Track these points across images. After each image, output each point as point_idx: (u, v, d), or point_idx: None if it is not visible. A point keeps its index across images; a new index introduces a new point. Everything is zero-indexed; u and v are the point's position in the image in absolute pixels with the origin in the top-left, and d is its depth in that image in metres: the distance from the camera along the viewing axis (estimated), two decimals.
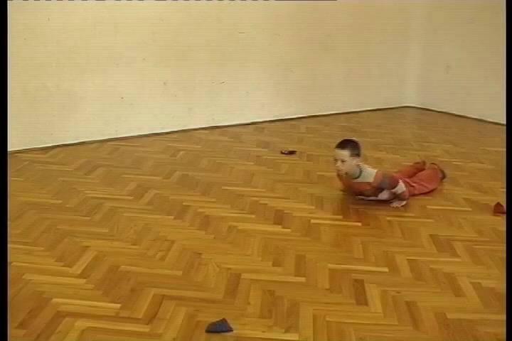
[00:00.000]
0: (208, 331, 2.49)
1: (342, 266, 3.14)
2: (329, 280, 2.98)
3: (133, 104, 5.77)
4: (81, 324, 2.52)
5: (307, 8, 6.50)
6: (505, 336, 2.32)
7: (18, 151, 5.11)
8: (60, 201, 4.02)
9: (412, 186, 4.18)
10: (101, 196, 4.12)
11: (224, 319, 2.54)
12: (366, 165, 4.02)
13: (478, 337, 2.52)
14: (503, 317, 2.48)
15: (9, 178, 4.27)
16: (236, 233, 3.54)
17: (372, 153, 5.43)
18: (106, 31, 5.42)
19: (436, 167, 4.61)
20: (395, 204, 4.04)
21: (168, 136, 5.89)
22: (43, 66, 5.19)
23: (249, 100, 6.48)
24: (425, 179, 4.35)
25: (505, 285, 2.80)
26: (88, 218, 3.73)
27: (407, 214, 3.92)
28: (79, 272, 2.99)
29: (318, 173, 4.77)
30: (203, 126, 6.22)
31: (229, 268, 3.07)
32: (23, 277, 2.92)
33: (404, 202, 4.04)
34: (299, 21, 6.54)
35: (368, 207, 4.01)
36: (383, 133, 6.28)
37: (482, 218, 3.88)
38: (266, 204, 4.03)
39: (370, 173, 3.94)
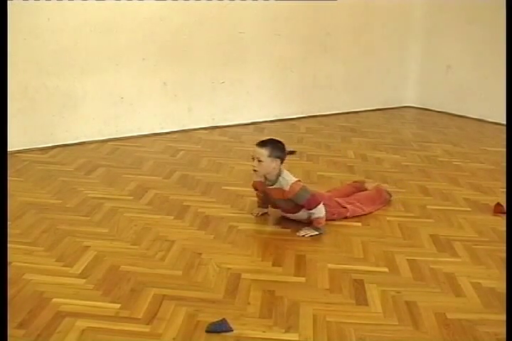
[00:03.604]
0: (207, 331, 2.49)
1: (342, 266, 3.14)
2: (329, 280, 2.98)
3: (133, 104, 5.77)
4: (81, 324, 2.52)
5: (307, 8, 6.49)
6: (505, 336, 2.32)
7: (18, 151, 5.11)
8: (60, 201, 4.02)
9: (345, 207, 3.74)
10: (101, 196, 4.12)
11: (224, 319, 2.54)
12: (288, 173, 3.56)
13: (478, 337, 2.52)
14: (503, 317, 2.48)
15: (9, 178, 4.27)
16: (236, 233, 3.54)
17: (372, 153, 5.43)
18: (106, 31, 5.42)
19: (380, 188, 4.14)
20: (303, 232, 3.50)
21: (168, 136, 5.89)
22: (43, 66, 5.19)
23: (249, 100, 6.48)
24: (363, 200, 3.88)
25: (505, 285, 2.80)
26: (88, 218, 3.73)
27: (407, 214, 3.92)
28: (79, 272, 2.99)
29: (318, 173, 4.78)
30: (203, 126, 6.22)
31: (229, 268, 3.07)
32: (23, 277, 2.92)
33: (316, 233, 3.50)
34: (299, 21, 6.54)
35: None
36: (383, 133, 6.28)
37: (482, 218, 3.88)
38: None
39: (287, 181, 3.49)
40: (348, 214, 3.75)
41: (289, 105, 6.77)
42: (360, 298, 2.81)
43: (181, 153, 5.31)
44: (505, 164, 4.55)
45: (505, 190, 4.18)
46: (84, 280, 2.91)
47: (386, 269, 3.12)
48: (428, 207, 4.07)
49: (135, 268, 3.05)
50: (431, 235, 3.58)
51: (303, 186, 3.51)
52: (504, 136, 5.73)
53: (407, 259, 3.23)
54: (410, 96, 7.62)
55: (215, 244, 3.40)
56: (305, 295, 2.82)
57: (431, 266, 3.15)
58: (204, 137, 5.91)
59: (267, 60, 6.47)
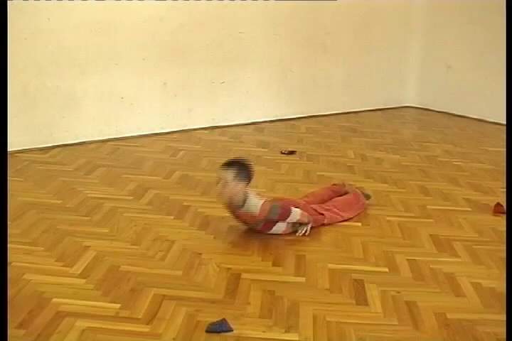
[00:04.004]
0: (208, 331, 2.49)
1: (342, 266, 3.14)
2: (329, 280, 2.98)
3: (133, 104, 5.77)
4: (81, 324, 2.52)
5: (307, 8, 6.49)
6: (505, 336, 2.32)
7: (18, 151, 5.11)
8: (60, 201, 4.02)
9: (322, 214, 3.63)
10: (101, 196, 4.12)
11: (224, 319, 2.54)
12: (254, 194, 3.41)
13: (478, 337, 2.52)
14: (503, 317, 2.48)
15: (9, 178, 4.26)
16: (236, 233, 3.54)
17: (372, 153, 5.43)
18: (106, 31, 5.42)
19: (358, 191, 4.04)
20: (301, 232, 3.49)
21: (168, 136, 5.89)
22: (43, 66, 5.19)
23: (249, 100, 6.48)
24: (341, 206, 3.78)
25: (505, 285, 2.80)
26: (88, 218, 3.73)
27: (407, 214, 3.92)
28: (79, 272, 2.99)
29: (318, 173, 4.77)
30: (203, 126, 6.22)
31: (229, 268, 3.07)
32: (23, 277, 2.92)
33: (309, 226, 3.50)
34: (299, 21, 6.54)
35: (368, 207, 4.00)
36: (383, 133, 6.28)
37: (482, 218, 3.88)
38: None
39: (255, 204, 3.33)
40: (325, 221, 3.64)
41: (289, 105, 6.77)
42: (360, 298, 2.81)
43: (181, 153, 5.31)
44: (505, 164, 4.55)
45: (505, 190, 4.19)
46: (84, 280, 2.91)
47: (386, 269, 3.12)
48: (428, 207, 4.06)
49: (135, 268, 3.05)
50: (431, 235, 3.57)
51: (270, 203, 3.36)
52: (504, 136, 5.73)
53: (407, 259, 3.23)
54: (410, 96, 7.61)
55: (215, 244, 3.40)
56: (305, 295, 2.82)
57: (431, 266, 3.15)
58: (204, 137, 5.91)
59: (266, 60, 6.47)
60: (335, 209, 3.73)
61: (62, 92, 5.34)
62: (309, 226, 3.50)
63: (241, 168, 3.37)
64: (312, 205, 3.69)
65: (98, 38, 5.39)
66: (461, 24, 6.96)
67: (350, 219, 3.77)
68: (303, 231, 3.49)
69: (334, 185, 4.14)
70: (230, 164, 3.39)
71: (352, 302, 2.78)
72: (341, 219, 3.73)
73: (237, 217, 3.50)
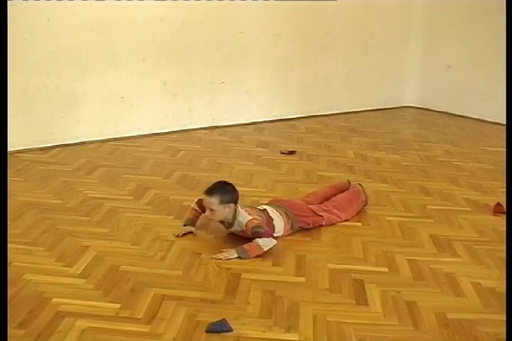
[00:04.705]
0: (208, 331, 2.49)
1: (342, 266, 3.14)
2: (329, 280, 2.98)
3: (133, 104, 5.77)
4: (81, 324, 2.52)
5: (307, 8, 6.49)
6: (505, 336, 2.32)
7: (18, 151, 5.10)
8: (60, 201, 4.01)
9: (320, 216, 3.59)
10: (101, 196, 4.12)
11: (224, 319, 2.54)
12: (243, 212, 3.31)
13: (478, 337, 2.52)
14: (503, 317, 2.49)
15: (9, 178, 4.26)
16: None
17: (372, 153, 5.43)
18: (106, 31, 5.42)
19: (360, 189, 3.98)
20: (222, 255, 3.18)
21: (168, 136, 5.89)
22: (43, 66, 5.18)
23: (249, 100, 6.48)
24: (340, 206, 3.73)
25: (505, 285, 2.80)
26: (88, 218, 3.73)
27: (407, 214, 3.92)
28: (79, 272, 2.99)
29: (318, 173, 4.78)
30: (203, 126, 6.22)
31: (229, 268, 3.07)
32: (23, 277, 2.92)
33: (235, 256, 3.18)
34: (299, 21, 6.54)
35: (368, 207, 4.00)
36: (383, 133, 6.28)
37: (482, 218, 3.88)
38: None
39: (241, 222, 3.28)
40: (323, 223, 3.61)
41: (289, 105, 6.77)
42: (360, 298, 2.81)
43: (181, 153, 5.30)
44: (505, 164, 4.55)
45: (505, 190, 4.19)
46: (84, 280, 2.91)
47: (386, 269, 3.12)
48: (428, 207, 4.06)
49: (135, 268, 3.05)
50: (431, 235, 3.58)
51: (257, 223, 3.24)
52: (504, 136, 5.73)
53: (407, 259, 3.23)
54: (410, 96, 7.61)
55: (215, 244, 3.40)
56: (305, 295, 2.82)
57: (431, 266, 3.15)
58: (204, 137, 5.91)
59: (267, 60, 6.47)
60: (334, 210, 3.70)
61: (62, 92, 5.34)
62: (235, 256, 3.18)
63: (224, 191, 3.29)
64: (311, 206, 3.66)
65: (98, 38, 5.39)
66: (461, 24, 6.97)
67: (348, 220, 3.75)
68: (222, 256, 3.18)
69: (340, 183, 4.12)
70: (212, 190, 3.30)
71: (352, 302, 2.78)
72: (340, 220, 3.70)
73: (231, 232, 3.45)
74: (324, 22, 6.74)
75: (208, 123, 6.25)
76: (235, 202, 3.32)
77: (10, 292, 2.72)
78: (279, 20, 6.40)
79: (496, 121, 6.57)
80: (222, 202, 3.25)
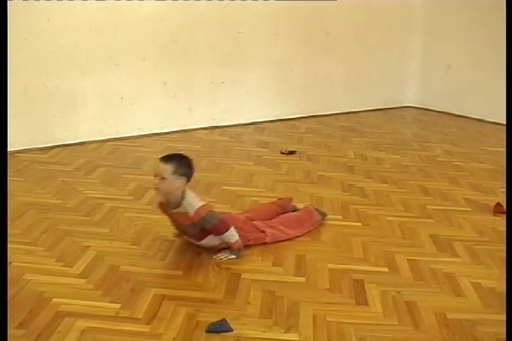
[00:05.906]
0: (208, 331, 2.49)
1: (342, 266, 3.14)
2: (329, 280, 2.98)
3: (133, 104, 5.77)
4: (81, 324, 2.52)
5: (307, 8, 6.49)
6: (505, 336, 2.32)
7: (18, 151, 5.10)
8: (60, 201, 4.01)
9: (263, 232, 3.33)
10: (101, 196, 4.12)
11: (224, 319, 2.54)
12: (193, 195, 3.15)
13: (478, 337, 2.52)
14: (503, 317, 2.48)
15: (9, 178, 4.26)
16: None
17: (372, 153, 5.43)
18: (106, 31, 5.42)
19: (311, 209, 3.68)
20: (221, 255, 3.17)
21: (168, 136, 5.89)
22: (43, 66, 5.19)
23: (249, 100, 6.48)
24: (288, 223, 3.48)
25: (505, 285, 2.79)
26: (88, 218, 3.73)
27: (407, 214, 3.92)
28: (79, 272, 2.99)
29: (318, 173, 4.77)
30: (203, 126, 6.22)
31: (229, 268, 3.07)
32: (23, 277, 2.92)
33: (233, 256, 3.16)
34: (299, 21, 6.54)
35: (368, 207, 4.01)
36: (383, 133, 6.28)
37: (482, 218, 3.88)
38: None
39: (191, 204, 3.08)
40: (267, 240, 3.33)
41: (289, 105, 6.77)
42: (360, 298, 2.81)
43: (181, 153, 5.29)
44: (505, 164, 4.55)
45: (505, 190, 4.18)
46: (84, 280, 2.91)
47: (386, 269, 3.12)
48: (428, 207, 4.06)
49: (135, 268, 3.05)
50: (431, 235, 3.57)
51: (209, 211, 3.11)
52: (504, 136, 5.72)
53: (407, 259, 3.23)
54: (410, 96, 7.61)
55: None
56: (305, 295, 2.82)
57: (431, 266, 3.15)
58: (204, 137, 5.91)
59: (266, 60, 6.47)
60: (280, 227, 3.42)
61: (62, 92, 5.34)
62: (232, 256, 3.17)
63: (181, 162, 3.13)
64: (254, 222, 3.39)
65: (98, 38, 5.39)
66: (461, 24, 6.97)
67: (299, 237, 3.47)
68: (223, 256, 3.16)
69: (280, 199, 3.85)
70: (169, 158, 3.13)
71: (352, 302, 2.78)
72: (287, 237, 3.41)
73: (172, 218, 3.28)
74: (324, 22, 6.74)
75: (208, 123, 6.26)
76: (188, 179, 3.14)
77: (10, 292, 2.72)
78: (279, 20, 6.40)
79: (496, 121, 6.57)
80: (175, 173, 3.05)
